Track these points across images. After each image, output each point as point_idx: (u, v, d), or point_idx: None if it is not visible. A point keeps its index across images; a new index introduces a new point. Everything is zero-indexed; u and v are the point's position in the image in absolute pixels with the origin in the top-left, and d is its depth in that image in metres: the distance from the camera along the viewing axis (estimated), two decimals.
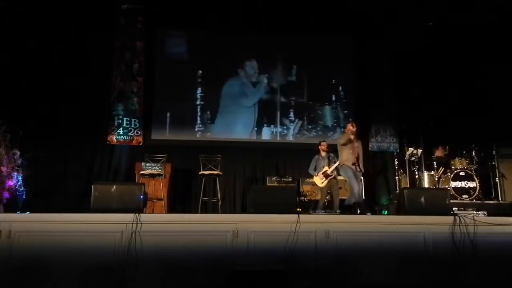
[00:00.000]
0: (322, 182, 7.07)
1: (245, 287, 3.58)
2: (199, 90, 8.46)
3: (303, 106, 8.64)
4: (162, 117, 8.32)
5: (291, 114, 8.63)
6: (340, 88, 8.82)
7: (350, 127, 6.53)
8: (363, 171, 6.56)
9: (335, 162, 7.01)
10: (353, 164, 6.41)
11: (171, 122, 8.31)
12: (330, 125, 8.68)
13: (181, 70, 8.47)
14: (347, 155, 6.47)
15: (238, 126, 8.47)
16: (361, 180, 6.73)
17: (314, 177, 7.27)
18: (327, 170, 7.10)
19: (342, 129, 8.15)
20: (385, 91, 8.77)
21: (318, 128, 8.59)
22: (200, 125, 8.37)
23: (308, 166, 7.39)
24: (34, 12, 7.65)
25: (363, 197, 6.51)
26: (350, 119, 8.08)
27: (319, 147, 7.34)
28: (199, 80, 8.49)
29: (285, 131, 8.59)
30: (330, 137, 8.42)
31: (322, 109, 8.69)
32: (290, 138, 8.52)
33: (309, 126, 8.60)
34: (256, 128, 8.49)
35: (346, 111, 8.75)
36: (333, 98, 8.72)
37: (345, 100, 8.82)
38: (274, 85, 8.68)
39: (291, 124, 8.60)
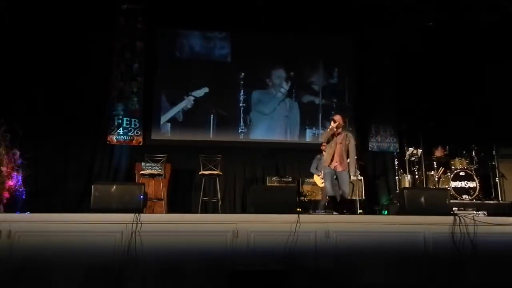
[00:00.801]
0: (322, 182, 7.08)
1: (245, 287, 3.57)
2: (242, 92, 8.52)
3: (345, 109, 8.65)
4: (163, 117, 8.33)
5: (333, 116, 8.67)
6: (340, 88, 8.85)
7: (332, 123, 6.01)
8: (346, 169, 5.89)
9: None
10: (332, 162, 5.92)
11: (217, 123, 8.38)
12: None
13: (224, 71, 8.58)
14: (326, 155, 6.08)
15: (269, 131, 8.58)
16: (349, 177, 5.99)
17: (315, 176, 7.31)
18: (318, 173, 7.21)
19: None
20: (385, 91, 8.77)
21: None
22: (243, 127, 8.43)
23: (309, 166, 7.43)
24: (34, 12, 7.64)
25: (337, 195, 5.95)
26: (332, 112, 8.20)
27: (321, 147, 7.36)
28: (242, 82, 8.55)
29: None
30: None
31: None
32: None
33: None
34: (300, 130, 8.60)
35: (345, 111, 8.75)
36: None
37: (345, 100, 8.83)
38: (316, 87, 8.74)
39: None
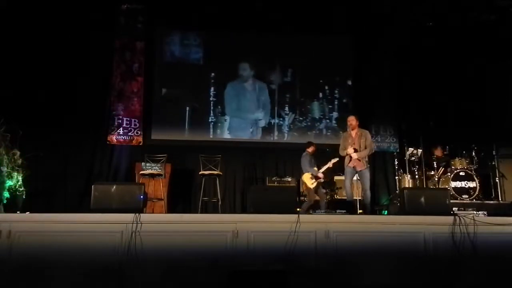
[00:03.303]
0: (312, 183, 7.08)
1: (245, 287, 3.58)
2: (212, 89, 8.53)
3: (295, 102, 8.83)
4: (163, 117, 8.34)
5: (286, 108, 8.76)
6: (340, 88, 8.86)
7: (350, 130, 6.25)
8: (366, 167, 6.12)
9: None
10: (351, 162, 6.11)
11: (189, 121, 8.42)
12: (317, 117, 8.80)
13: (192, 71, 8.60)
14: (346, 158, 6.25)
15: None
16: (363, 173, 6.12)
17: (305, 176, 7.17)
18: (318, 173, 7.12)
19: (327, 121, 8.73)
20: (385, 91, 8.77)
21: (307, 120, 8.78)
22: (214, 126, 8.47)
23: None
24: (34, 12, 7.65)
25: (363, 196, 6.25)
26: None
27: (309, 148, 7.34)
28: (212, 80, 8.56)
29: (281, 122, 8.71)
30: (317, 128, 8.74)
31: (311, 104, 8.81)
32: (285, 128, 8.70)
33: (300, 118, 8.79)
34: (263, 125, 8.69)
35: (346, 111, 8.76)
36: (320, 95, 8.86)
37: (345, 100, 8.83)
38: (273, 86, 8.80)
39: (286, 116, 8.75)
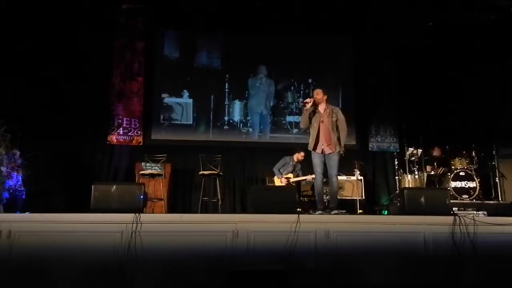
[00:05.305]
0: (281, 182, 7.34)
1: (245, 287, 3.58)
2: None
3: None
4: (163, 117, 8.36)
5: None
6: (340, 88, 8.85)
7: (312, 99, 5.11)
8: (335, 150, 5.10)
9: (298, 175, 7.40)
10: (318, 145, 5.15)
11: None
12: None
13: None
14: (310, 139, 5.23)
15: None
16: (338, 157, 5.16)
17: (275, 178, 7.45)
18: (290, 178, 7.38)
19: None
20: (385, 91, 8.77)
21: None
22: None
23: (308, 167, 7.43)
24: (34, 12, 7.64)
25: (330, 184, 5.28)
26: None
27: (295, 154, 7.47)
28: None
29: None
30: None
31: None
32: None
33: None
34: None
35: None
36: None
37: (345, 99, 8.83)
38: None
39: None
